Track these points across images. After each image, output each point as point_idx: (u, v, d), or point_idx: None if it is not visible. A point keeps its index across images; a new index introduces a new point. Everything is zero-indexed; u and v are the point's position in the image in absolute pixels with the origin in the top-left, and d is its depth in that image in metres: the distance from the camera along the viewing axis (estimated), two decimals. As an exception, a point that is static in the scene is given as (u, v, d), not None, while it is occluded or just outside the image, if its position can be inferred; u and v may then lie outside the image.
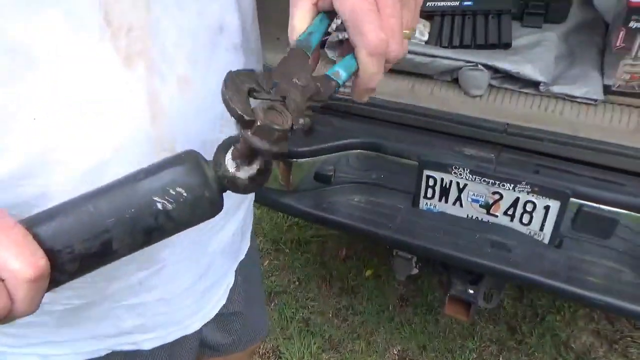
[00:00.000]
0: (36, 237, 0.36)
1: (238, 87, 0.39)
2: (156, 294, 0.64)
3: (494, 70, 1.22)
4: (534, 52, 1.24)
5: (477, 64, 1.21)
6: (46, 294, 0.37)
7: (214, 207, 0.42)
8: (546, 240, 1.18)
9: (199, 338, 0.85)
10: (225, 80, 0.39)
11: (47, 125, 0.45)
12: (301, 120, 0.40)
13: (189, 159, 0.41)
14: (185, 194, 0.40)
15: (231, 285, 0.82)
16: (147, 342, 0.69)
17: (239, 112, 0.37)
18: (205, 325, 0.77)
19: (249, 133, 0.38)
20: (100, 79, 0.47)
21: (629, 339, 1.81)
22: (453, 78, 1.29)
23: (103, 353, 0.67)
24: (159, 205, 0.39)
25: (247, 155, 0.41)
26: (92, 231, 0.38)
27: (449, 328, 1.87)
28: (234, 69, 0.58)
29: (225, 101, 0.38)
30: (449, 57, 1.25)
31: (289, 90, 0.41)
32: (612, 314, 1.86)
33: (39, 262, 0.35)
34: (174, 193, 0.39)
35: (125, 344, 0.68)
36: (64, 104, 0.46)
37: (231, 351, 1.03)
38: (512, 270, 1.13)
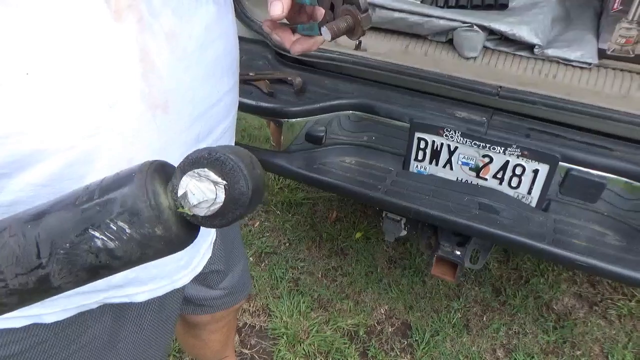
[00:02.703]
0: None
1: None
2: None
3: (490, 31, 1.21)
4: (531, 14, 1.23)
5: (472, 24, 1.19)
6: None
7: (173, 246, 0.33)
8: (534, 204, 1.20)
9: (182, 293, 0.87)
10: None
11: (41, 79, 0.45)
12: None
13: (139, 179, 0.31)
14: (128, 231, 0.31)
15: (214, 239, 0.84)
16: (140, 295, 0.70)
17: None
18: (189, 282, 0.78)
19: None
20: (93, 32, 0.47)
21: (609, 301, 1.87)
22: (448, 39, 1.27)
23: (95, 306, 0.68)
24: (98, 242, 0.31)
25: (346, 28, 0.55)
26: (25, 266, 0.32)
27: (435, 289, 1.91)
28: (214, 22, 0.60)
29: None
30: (444, 17, 1.22)
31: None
32: (595, 276, 1.91)
33: None
34: (114, 228, 0.31)
35: (117, 297, 0.69)
36: (57, 59, 0.45)
37: (216, 308, 1.05)
38: (499, 232, 1.15)
